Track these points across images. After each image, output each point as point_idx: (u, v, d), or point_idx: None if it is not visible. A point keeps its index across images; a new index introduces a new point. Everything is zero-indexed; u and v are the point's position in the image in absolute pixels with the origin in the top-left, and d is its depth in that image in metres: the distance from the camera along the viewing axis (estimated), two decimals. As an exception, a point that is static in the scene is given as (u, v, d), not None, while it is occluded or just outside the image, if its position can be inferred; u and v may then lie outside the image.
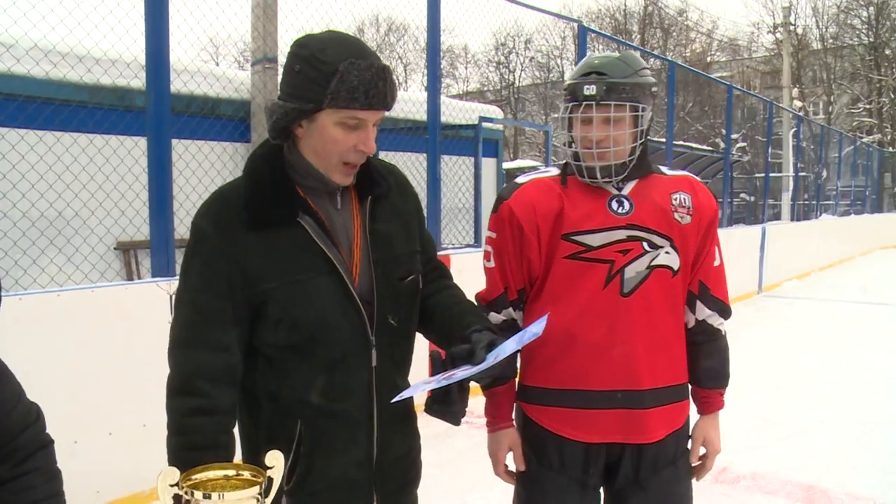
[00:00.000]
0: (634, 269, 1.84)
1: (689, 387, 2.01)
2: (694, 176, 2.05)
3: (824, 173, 19.69)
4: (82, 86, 5.88)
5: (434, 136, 5.19)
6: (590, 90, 1.78)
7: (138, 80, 4.39)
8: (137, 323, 3.59)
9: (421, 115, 5.62)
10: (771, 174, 15.57)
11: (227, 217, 1.49)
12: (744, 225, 14.64)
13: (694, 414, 2.03)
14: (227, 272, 1.46)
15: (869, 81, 37.49)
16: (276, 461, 1.29)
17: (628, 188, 1.89)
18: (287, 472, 1.52)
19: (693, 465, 2.02)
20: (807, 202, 19.78)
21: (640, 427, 1.87)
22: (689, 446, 2.00)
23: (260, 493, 1.25)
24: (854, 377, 6.44)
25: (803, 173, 20.31)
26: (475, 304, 1.84)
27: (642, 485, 1.90)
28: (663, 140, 9.05)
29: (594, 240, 1.84)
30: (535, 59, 37.90)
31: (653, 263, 1.85)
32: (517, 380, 2.02)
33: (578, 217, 1.85)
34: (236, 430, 1.66)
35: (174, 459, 1.42)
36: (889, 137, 37.10)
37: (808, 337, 8.32)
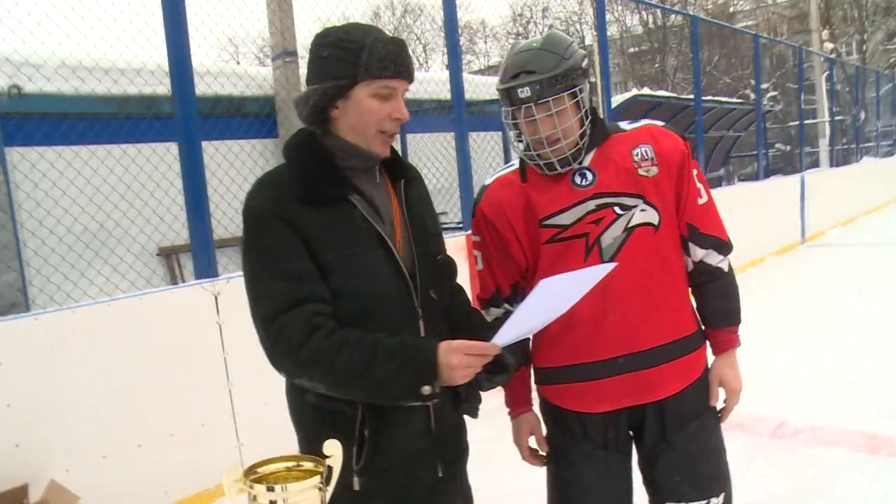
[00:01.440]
0: (611, 236, 1.85)
1: (701, 335, 2.00)
2: (655, 122, 2.01)
3: (862, 115, 19.14)
4: (111, 98, 5.97)
5: (460, 114, 5.16)
6: (524, 93, 1.77)
7: (164, 87, 4.44)
8: (186, 325, 3.66)
9: (444, 94, 5.61)
10: (806, 121, 15.20)
11: (280, 194, 1.54)
12: (781, 175, 14.32)
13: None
14: (298, 239, 1.51)
15: (903, 14, 36.19)
16: (334, 449, 1.32)
17: (588, 159, 1.90)
18: (356, 453, 1.57)
19: (717, 408, 2.02)
20: (846, 146, 19.28)
21: (648, 386, 1.89)
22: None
23: (321, 483, 1.27)
24: (906, 321, 6.30)
25: (839, 117, 19.78)
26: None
27: (669, 441, 1.92)
28: (691, 97, 8.89)
29: (566, 218, 1.86)
30: (554, 27, 37.39)
31: (630, 225, 1.85)
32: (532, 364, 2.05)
33: (546, 201, 1.88)
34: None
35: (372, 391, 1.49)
36: (929, 71, 35.90)
37: (855, 284, 8.14)
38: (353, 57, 1.52)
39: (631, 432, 1.99)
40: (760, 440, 3.99)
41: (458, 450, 1.76)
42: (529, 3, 36.72)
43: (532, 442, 2.04)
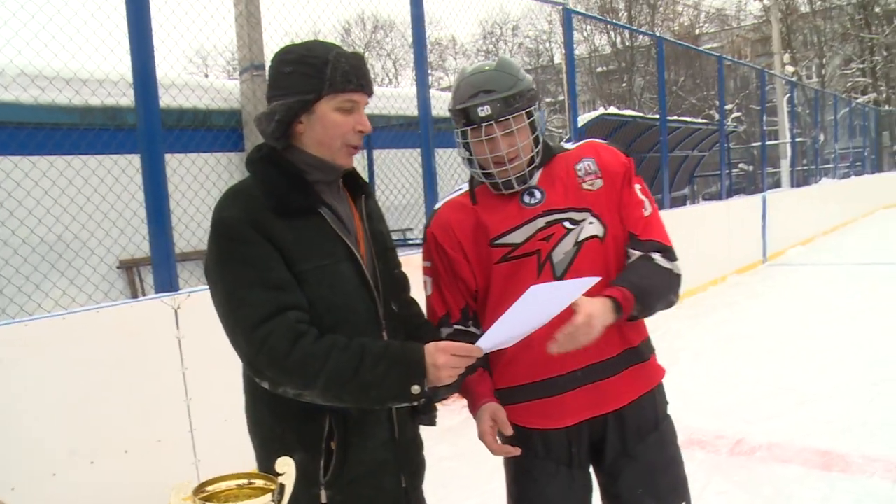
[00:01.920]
0: (562, 251, 1.88)
1: (648, 345, 2.02)
2: (598, 140, 2.06)
3: (821, 137, 19.59)
4: (72, 108, 5.89)
5: (426, 131, 5.18)
6: (485, 111, 1.80)
7: (127, 98, 4.38)
8: (144, 339, 3.60)
9: (412, 110, 5.61)
10: (768, 142, 15.50)
11: (252, 206, 1.55)
12: (744, 195, 14.59)
13: (664, 379, 2.05)
14: (274, 249, 1.52)
15: (860, 41, 37.26)
16: (287, 467, 1.30)
17: (535, 178, 1.93)
18: (323, 466, 1.59)
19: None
20: (806, 167, 19.71)
21: (607, 396, 1.92)
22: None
23: (273, 501, 1.26)
24: (863, 339, 6.43)
25: (800, 139, 20.22)
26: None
27: (631, 454, 1.94)
28: (657, 117, 9.01)
29: (517, 237, 1.89)
30: (524, 45, 37.78)
31: (580, 239, 1.89)
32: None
33: (496, 221, 1.91)
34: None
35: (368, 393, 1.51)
36: (885, 96, 36.94)
37: (815, 303, 8.31)
38: (317, 72, 1.55)
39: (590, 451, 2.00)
40: (719, 457, 4.03)
41: (417, 461, 1.80)
42: (499, 21, 37.05)
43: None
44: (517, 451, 1.88)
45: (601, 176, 1.93)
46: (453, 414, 5.07)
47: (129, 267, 6.46)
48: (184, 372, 3.67)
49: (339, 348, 1.49)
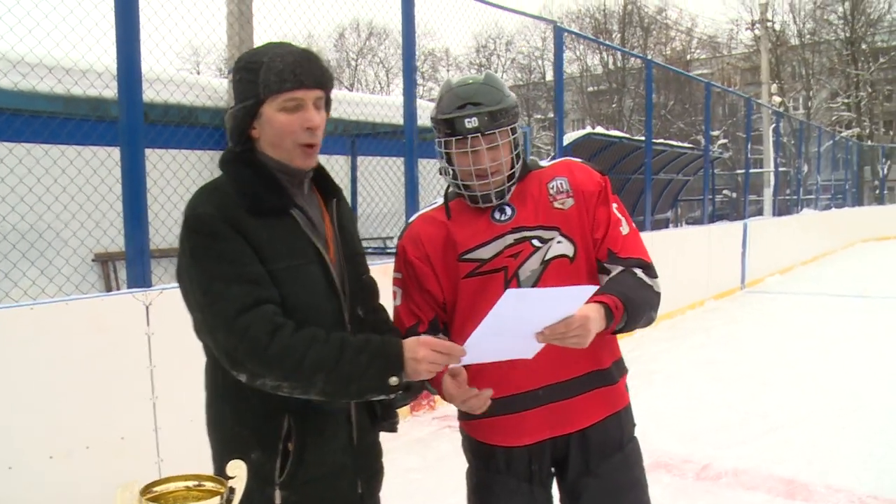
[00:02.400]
0: (529, 269, 1.88)
1: (619, 367, 2.01)
2: (574, 158, 2.07)
3: (805, 168, 19.82)
4: (54, 97, 5.82)
5: (411, 140, 5.18)
6: (472, 123, 1.79)
7: (110, 90, 4.34)
8: (113, 334, 3.55)
9: (400, 119, 5.61)
10: (752, 170, 15.65)
11: (226, 203, 1.55)
12: (727, 221, 14.71)
13: (637, 401, 2.05)
14: (247, 244, 1.53)
15: (846, 76, 37.83)
16: (238, 470, 1.30)
17: (508, 194, 1.92)
18: (279, 466, 1.58)
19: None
20: (789, 197, 19.91)
21: (568, 417, 1.90)
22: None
23: None
24: (835, 368, 6.49)
25: (784, 168, 20.44)
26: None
27: (594, 473, 1.93)
28: (642, 139, 9.07)
29: (485, 252, 1.90)
30: (517, 61, 37.99)
31: (547, 257, 1.88)
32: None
33: (466, 236, 1.91)
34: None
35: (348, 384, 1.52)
36: (868, 131, 37.47)
37: (791, 331, 8.38)
38: (254, 76, 1.56)
39: (553, 468, 2.00)
40: (685, 481, 4.03)
41: (375, 467, 1.78)
42: (493, 35, 37.26)
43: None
44: (489, 393, 1.74)
45: (572, 195, 1.92)
46: (423, 425, 5.06)
47: (104, 261, 6.39)
48: (151, 369, 3.62)
49: (319, 340, 1.50)
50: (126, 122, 3.69)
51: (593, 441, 1.93)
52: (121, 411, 3.58)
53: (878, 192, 29.88)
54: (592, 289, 1.63)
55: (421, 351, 1.51)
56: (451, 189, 1.98)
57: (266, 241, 1.54)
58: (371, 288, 1.83)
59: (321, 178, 1.73)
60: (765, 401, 5.55)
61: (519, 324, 1.61)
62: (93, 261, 6.40)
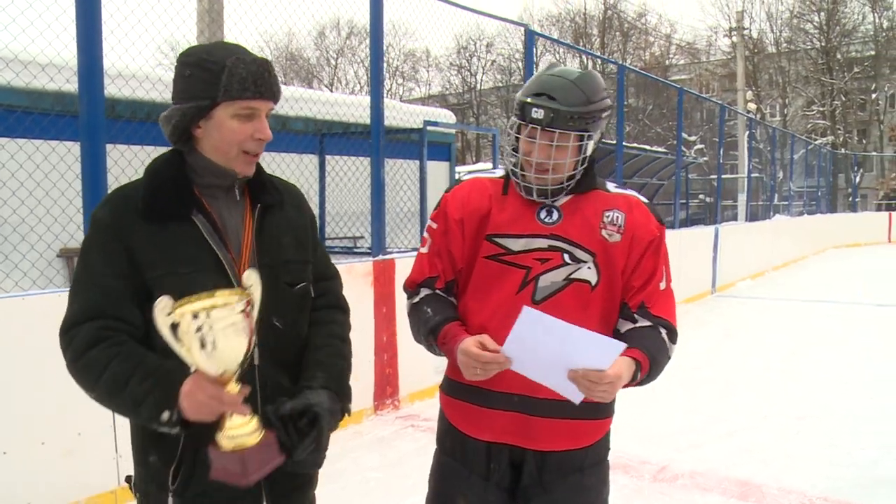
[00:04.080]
0: (550, 279, 1.84)
1: (605, 409, 1.95)
2: (639, 196, 1.99)
3: (780, 174, 20.05)
4: (23, 91, 5.77)
5: (377, 140, 5.17)
6: (537, 114, 1.76)
7: (72, 85, 4.31)
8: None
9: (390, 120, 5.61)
10: (726, 176, 15.80)
11: (123, 207, 1.56)
12: (702, 226, 14.85)
13: (616, 435, 2.02)
14: (123, 254, 1.52)
15: (822, 85, 38.36)
16: (253, 279, 1.44)
17: (563, 199, 1.89)
18: (172, 473, 1.56)
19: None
20: (763, 203, 20.13)
21: (531, 434, 1.87)
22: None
23: (244, 311, 1.38)
24: (799, 374, 6.59)
25: (757, 174, 20.66)
26: (341, 346, 1.78)
27: (546, 487, 1.89)
28: (613, 142, 9.15)
29: (515, 244, 1.86)
30: (497, 63, 38.10)
31: (572, 276, 1.84)
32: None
33: (504, 220, 1.88)
34: (128, 431, 1.67)
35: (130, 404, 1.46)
36: (842, 139, 38.01)
37: (757, 336, 8.48)
38: (214, 77, 1.52)
39: (512, 465, 1.95)
40: (642, 483, 4.08)
41: (296, 481, 1.69)
42: (474, 37, 37.31)
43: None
44: (503, 359, 1.69)
45: (622, 232, 1.87)
46: (386, 425, 5.07)
47: (70, 256, 6.33)
48: (110, 366, 3.60)
49: (120, 358, 1.45)
50: (87, 116, 3.67)
51: (552, 459, 1.89)
52: (77, 407, 3.53)
53: (850, 199, 30.32)
54: (623, 346, 1.64)
55: (187, 384, 1.40)
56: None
57: (154, 248, 1.52)
58: (296, 299, 1.70)
59: (255, 184, 1.68)
60: (726, 405, 5.62)
61: (547, 349, 1.63)
62: (58, 256, 6.33)
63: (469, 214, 1.91)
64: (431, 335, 1.86)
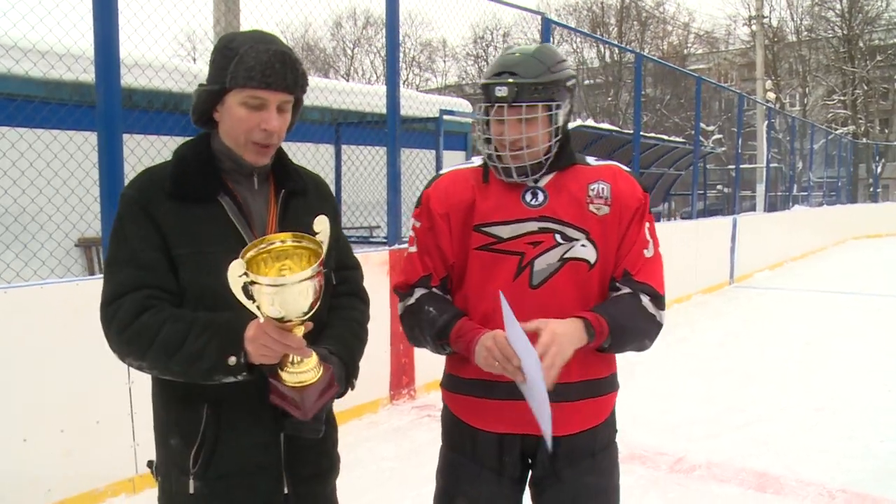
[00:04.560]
0: (545, 262, 1.82)
1: (614, 380, 1.96)
2: (620, 165, 1.98)
3: (799, 164, 19.85)
4: (43, 82, 5.82)
5: (393, 129, 5.16)
6: (501, 92, 1.76)
7: (89, 75, 4.33)
8: (89, 318, 3.52)
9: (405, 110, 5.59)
10: (745, 166, 15.67)
11: (150, 186, 1.59)
12: (720, 216, 14.75)
13: (621, 397, 2.01)
14: (155, 231, 1.55)
15: (843, 73, 37.83)
16: (322, 225, 1.45)
17: (545, 180, 1.87)
18: (193, 455, 1.57)
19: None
20: (782, 194, 19.95)
21: None
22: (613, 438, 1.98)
23: (317, 273, 1.39)
24: (817, 365, 6.53)
25: (776, 164, 20.46)
26: (358, 329, 1.80)
27: (559, 476, 1.88)
28: (631, 132, 9.08)
29: (504, 231, 1.83)
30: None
31: (566, 256, 1.82)
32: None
33: (490, 208, 1.85)
34: (150, 417, 1.68)
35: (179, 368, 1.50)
36: (863, 129, 37.51)
37: (775, 326, 8.41)
38: (226, 63, 1.54)
39: (528, 458, 1.93)
40: (658, 473, 4.06)
41: (318, 467, 1.72)
42: (490, 27, 37.15)
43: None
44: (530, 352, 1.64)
45: (609, 203, 1.86)
46: (402, 414, 5.08)
47: (87, 246, 6.39)
48: (128, 354, 3.63)
49: (172, 319, 1.49)
50: (104, 106, 3.69)
51: (563, 447, 1.86)
52: (96, 395, 3.60)
53: (871, 189, 29.96)
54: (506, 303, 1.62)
55: (251, 329, 1.44)
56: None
57: (179, 226, 1.55)
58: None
59: (279, 169, 1.70)
60: (743, 395, 5.58)
61: (524, 353, 1.62)
62: (76, 246, 6.40)
63: (453, 207, 1.88)
64: (443, 334, 1.83)
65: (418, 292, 1.91)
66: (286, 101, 1.59)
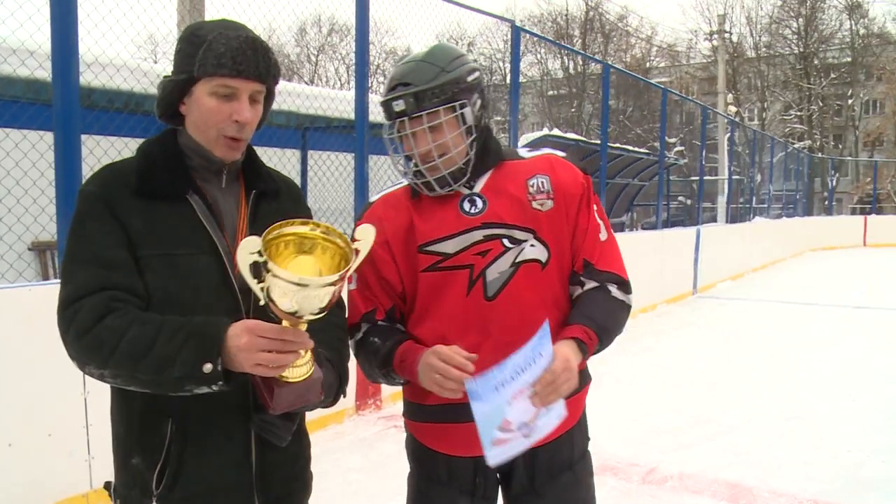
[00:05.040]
0: (497, 270, 1.73)
1: (584, 377, 1.87)
2: (555, 152, 1.90)
3: (758, 177, 20.19)
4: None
5: (362, 135, 5.07)
6: (398, 106, 1.67)
7: (44, 71, 4.16)
8: (42, 326, 3.36)
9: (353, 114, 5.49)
10: (707, 177, 15.87)
11: (114, 182, 1.47)
12: (681, 227, 14.89)
13: (589, 407, 1.95)
14: (120, 228, 1.43)
15: (800, 89, 38.80)
16: (365, 234, 1.36)
17: (480, 184, 1.78)
18: (157, 475, 1.45)
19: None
20: (742, 205, 20.27)
21: None
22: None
23: (340, 279, 1.27)
24: (781, 374, 6.57)
25: (738, 177, 20.79)
26: (342, 334, 1.70)
27: (538, 492, 1.81)
28: (598, 143, 9.12)
29: (449, 246, 1.74)
30: (478, 62, 38.06)
31: (518, 260, 1.74)
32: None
33: (430, 226, 1.76)
34: (108, 430, 1.55)
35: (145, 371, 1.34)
36: (818, 143, 38.46)
37: (739, 336, 8.48)
38: (194, 51, 1.44)
39: (498, 475, 1.87)
40: (630, 485, 4.01)
41: (290, 487, 1.61)
42: (455, 36, 37.22)
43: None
44: (471, 362, 1.60)
45: (553, 197, 1.77)
46: (368, 425, 4.97)
47: (42, 249, 6.17)
48: (83, 363, 3.47)
49: (140, 322, 1.34)
50: (61, 105, 3.53)
51: (541, 460, 1.80)
52: (49, 407, 3.43)
53: (826, 202, 30.64)
54: (545, 323, 1.56)
55: (244, 337, 1.28)
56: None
57: (145, 225, 1.43)
58: None
59: (249, 169, 1.60)
60: (711, 405, 5.58)
61: (508, 395, 1.56)
62: (29, 249, 6.16)
63: (392, 234, 1.78)
64: (387, 362, 1.73)
65: (364, 327, 1.81)
66: (258, 91, 1.49)
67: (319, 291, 1.25)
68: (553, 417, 1.64)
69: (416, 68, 1.70)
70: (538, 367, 1.57)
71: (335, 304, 1.71)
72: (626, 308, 1.83)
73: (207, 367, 1.29)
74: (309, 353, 1.37)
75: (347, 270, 1.28)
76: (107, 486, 1.56)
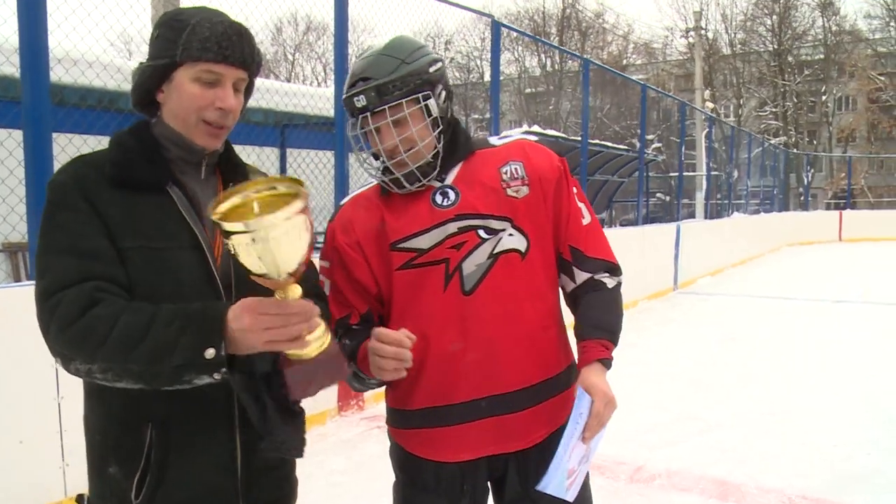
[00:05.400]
0: (474, 263, 1.68)
1: (572, 372, 1.82)
2: (528, 137, 1.86)
3: (735, 173, 20.33)
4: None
5: (341, 132, 4.99)
6: (360, 102, 1.62)
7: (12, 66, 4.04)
8: (13, 329, 3.27)
9: (333, 111, 5.42)
10: (685, 174, 15.95)
11: (87, 172, 1.39)
12: (660, 223, 14.94)
13: None
14: (97, 217, 1.34)
15: (774, 86, 39.22)
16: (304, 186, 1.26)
17: (451, 176, 1.73)
18: (137, 483, 1.36)
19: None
20: (720, 201, 20.41)
21: (512, 434, 1.72)
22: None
23: (303, 209, 1.18)
24: (764, 370, 6.58)
25: (715, 173, 20.94)
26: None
27: (532, 496, 1.74)
28: (578, 139, 9.10)
29: (423, 241, 1.68)
30: (455, 60, 38.02)
31: (496, 251, 1.68)
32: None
33: (403, 223, 1.70)
34: (83, 444, 1.47)
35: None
36: (794, 140, 38.89)
37: (720, 331, 8.50)
38: (176, 35, 1.38)
39: (489, 482, 1.82)
40: (618, 483, 3.97)
41: (275, 492, 1.54)
42: (433, 34, 37.15)
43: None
44: (409, 339, 1.56)
45: (528, 183, 1.73)
46: (351, 426, 4.89)
47: (13, 251, 6.02)
48: (56, 367, 3.35)
49: (130, 310, 1.25)
50: (31, 102, 3.42)
51: (533, 461, 1.74)
52: (20, 413, 3.32)
53: (802, 198, 30.96)
54: (586, 397, 1.60)
55: (246, 318, 1.20)
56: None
57: (124, 217, 1.36)
58: None
59: (227, 162, 1.54)
60: (696, 401, 5.56)
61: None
62: (0, 251, 6.01)
63: (364, 234, 1.73)
64: (352, 362, 1.68)
65: (340, 332, 1.75)
66: (241, 79, 1.44)
67: (271, 236, 1.13)
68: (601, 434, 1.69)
69: (375, 62, 1.64)
70: (584, 422, 1.61)
71: (319, 299, 1.64)
72: (618, 292, 1.82)
73: (210, 352, 1.20)
74: (323, 325, 1.28)
75: (290, 207, 1.15)
76: (79, 499, 1.47)
